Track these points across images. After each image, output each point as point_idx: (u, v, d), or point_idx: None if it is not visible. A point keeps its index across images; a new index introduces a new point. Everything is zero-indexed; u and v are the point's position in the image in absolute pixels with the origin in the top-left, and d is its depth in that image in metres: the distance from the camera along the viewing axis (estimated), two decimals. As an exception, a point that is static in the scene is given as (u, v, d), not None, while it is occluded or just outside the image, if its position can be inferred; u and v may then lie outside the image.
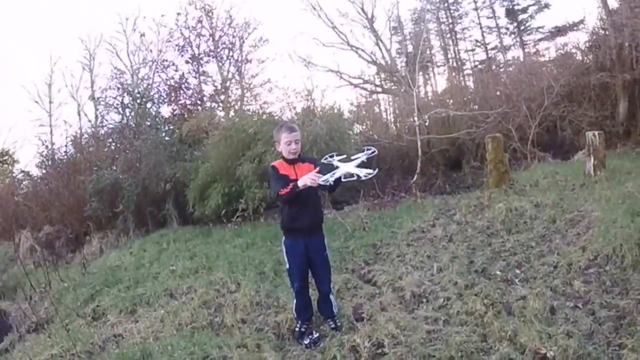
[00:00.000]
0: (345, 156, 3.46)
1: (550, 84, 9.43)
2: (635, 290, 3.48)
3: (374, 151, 3.37)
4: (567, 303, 3.55)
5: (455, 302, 3.86)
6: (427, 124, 9.90)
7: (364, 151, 3.33)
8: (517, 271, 4.29)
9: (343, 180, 3.24)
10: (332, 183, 3.17)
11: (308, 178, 3.19)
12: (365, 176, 3.12)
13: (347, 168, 3.20)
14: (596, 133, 6.53)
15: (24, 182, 11.53)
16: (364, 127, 11.99)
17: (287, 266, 3.69)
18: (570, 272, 4.00)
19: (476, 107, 10.47)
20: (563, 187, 6.40)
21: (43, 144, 11.48)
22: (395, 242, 5.54)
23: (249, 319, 4.15)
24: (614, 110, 10.22)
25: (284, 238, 3.70)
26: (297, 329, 3.75)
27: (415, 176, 8.35)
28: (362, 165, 3.23)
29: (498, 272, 4.31)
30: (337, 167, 3.26)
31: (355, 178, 3.17)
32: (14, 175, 12.48)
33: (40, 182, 10.87)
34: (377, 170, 3.21)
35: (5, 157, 16.07)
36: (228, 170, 7.69)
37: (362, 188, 8.48)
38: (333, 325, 3.76)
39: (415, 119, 9.04)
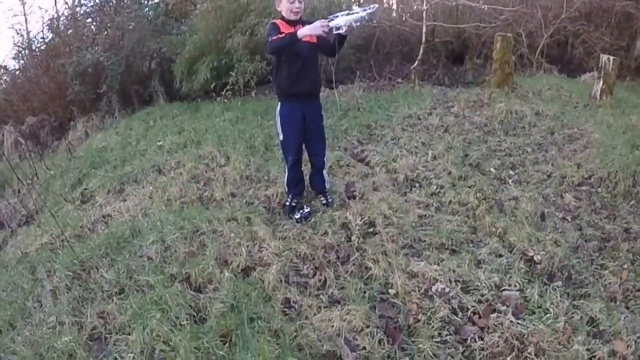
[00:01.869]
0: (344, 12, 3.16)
1: (571, -2, 8.79)
2: (622, 218, 3.50)
3: (376, 6, 3.12)
4: (557, 214, 3.57)
5: (448, 191, 3.87)
6: (432, 12, 9.36)
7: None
8: (512, 172, 4.28)
9: (347, 28, 3.02)
10: (343, 29, 3.01)
11: (316, 26, 2.95)
12: (369, 17, 3.00)
13: (348, 18, 3.00)
14: (611, 58, 6.20)
15: (2, 78, 10.86)
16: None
17: (282, 137, 3.53)
18: (563, 185, 4.00)
19: (485, 7, 9.87)
20: (566, 102, 6.24)
21: (18, 34, 10.56)
22: (390, 126, 5.44)
23: (239, 193, 4.13)
24: (631, 43, 9.66)
25: (279, 106, 3.47)
26: (287, 204, 3.72)
27: (416, 63, 8.04)
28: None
29: (493, 170, 4.30)
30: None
31: (359, 21, 3.01)
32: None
33: (19, 73, 10.31)
34: (377, 6, 3.07)
35: (-20, 54, 15.00)
36: (218, 43, 7.30)
37: (359, 69, 8.20)
38: (325, 201, 3.75)
39: (424, 2, 8.50)
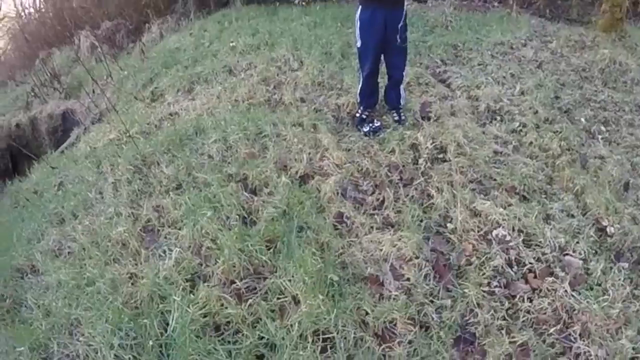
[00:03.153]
0: None
1: None
2: None
3: None
4: None
5: (531, 131, 3.41)
6: None
7: None
8: (603, 128, 3.68)
9: None
10: None
11: None
12: None
13: None
14: None
15: None
16: None
17: (359, 44, 3.20)
18: None
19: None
20: None
21: None
22: (479, 50, 4.83)
23: (308, 99, 3.87)
24: None
25: (359, 10, 3.12)
26: (358, 115, 3.44)
27: (518, -16, 7.03)
28: None
29: (583, 120, 3.72)
30: None
31: None
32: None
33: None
34: None
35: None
36: None
37: None
38: (397, 118, 3.42)
39: None
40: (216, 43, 5.71)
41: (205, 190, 2.63)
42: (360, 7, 3.12)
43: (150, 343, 1.77)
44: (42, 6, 10.96)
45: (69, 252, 2.48)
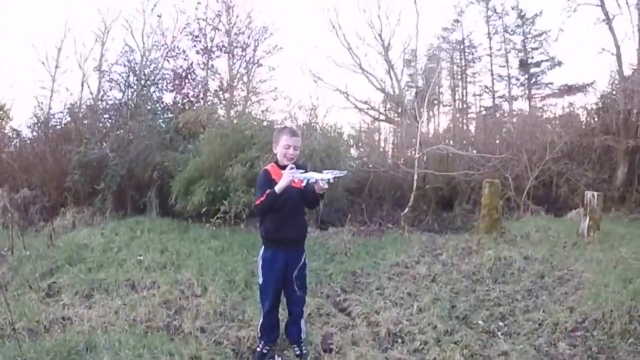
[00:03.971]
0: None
1: (553, 140, 9.46)
2: (621, 358, 3.27)
3: (346, 173, 3.29)
4: None
5: (432, 347, 3.58)
6: (425, 159, 9.82)
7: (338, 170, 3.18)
8: (501, 324, 4.05)
9: (311, 182, 3.08)
10: (312, 180, 3.05)
11: (286, 175, 3.04)
12: (334, 179, 3.05)
13: (317, 175, 3.08)
14: (595, 194, 6.40)
15: (13, 141, 11.16)
16: (361, 151, 11.89)
17: (261, 281, 3.40)
18: (556, 332, 3.76)
19: (474, 151, 10.44)
20: (554, 243, 6.22)
21: (39, 106, 11.18)
22: (376, 273, 5.30)
23: (209, 329, 3.88)
24: (612, 174, 10.28)
25: (262, 249, 3.40)
26: (258, 349, 3.46)
27: (407, 209, 8.21)
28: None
29: (480, 322, 4.06)
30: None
31: (325, 180, 3.04)
32: (4, 131, 12.08)
33: (28, 143, 10.60)
34: (346, 171, 3.18)
35: (0, 112, 15.56)
36: (218, 169, 7.51)
37: (350, 212, 8.34)
38: (298, 352, 3.48)
39: (416, 151, 8.94)
40: (125, 251, 5.79)
41: None
42: (263, 247, 3.41)
43: None
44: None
45: None
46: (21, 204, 8.59)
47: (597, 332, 3.63)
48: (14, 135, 11.15)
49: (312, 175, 3.06)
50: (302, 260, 3.44)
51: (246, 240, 6.39)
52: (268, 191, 3.08)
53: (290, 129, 3.47)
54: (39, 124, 10.65)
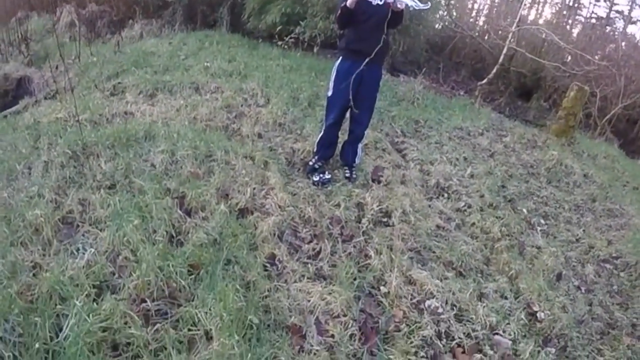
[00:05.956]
0: None
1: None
2: (634, 310, 3.10)
3: (429, 6, 3.09)
4: (574, 280, 3.24)
5: (475, 213, 3.60)
6: (517, 37, 8.86)
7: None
8: (542, 221, 3.95)
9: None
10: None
11: None
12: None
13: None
14: None
15: None
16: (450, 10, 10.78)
17: (330, 92, 3.32)
18: (589, 254, 3.63)
19: (572, 49, 9.29)
20: (617, 177, 5.71)
21: None
22: (438, 129, 5.14)
23: (266, 136, 3.92)
24: None
25: (339, 60, 3.28)
26: (311, 163, 3.51)
27: (485, 80, 7.69)
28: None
29: (525, 211, 3.98)
30: None
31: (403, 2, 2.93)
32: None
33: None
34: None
35: None
36: None
37: (425, 67, 7.86)
38: (348, 175, 3.52)
39: (514, 24, 8.01)
40: (191, 59, 5.69)
41: (138, 197, 2.54)
42: (340, 57, 3.27)
43: (37, 345, 1.62)
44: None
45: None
46: (89, 18, 8.46)
47: (624, 275, 3.48)
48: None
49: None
50: (378, 78, 3.34)
51: (316, 64, 6.21)
52: (342, 4, 3.02)
53: None
54: None
